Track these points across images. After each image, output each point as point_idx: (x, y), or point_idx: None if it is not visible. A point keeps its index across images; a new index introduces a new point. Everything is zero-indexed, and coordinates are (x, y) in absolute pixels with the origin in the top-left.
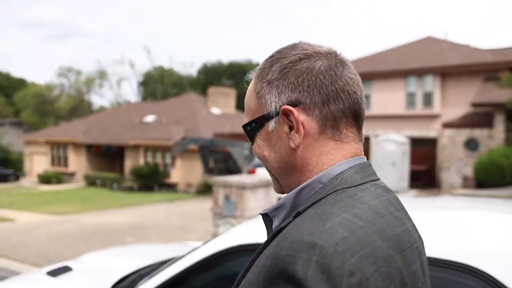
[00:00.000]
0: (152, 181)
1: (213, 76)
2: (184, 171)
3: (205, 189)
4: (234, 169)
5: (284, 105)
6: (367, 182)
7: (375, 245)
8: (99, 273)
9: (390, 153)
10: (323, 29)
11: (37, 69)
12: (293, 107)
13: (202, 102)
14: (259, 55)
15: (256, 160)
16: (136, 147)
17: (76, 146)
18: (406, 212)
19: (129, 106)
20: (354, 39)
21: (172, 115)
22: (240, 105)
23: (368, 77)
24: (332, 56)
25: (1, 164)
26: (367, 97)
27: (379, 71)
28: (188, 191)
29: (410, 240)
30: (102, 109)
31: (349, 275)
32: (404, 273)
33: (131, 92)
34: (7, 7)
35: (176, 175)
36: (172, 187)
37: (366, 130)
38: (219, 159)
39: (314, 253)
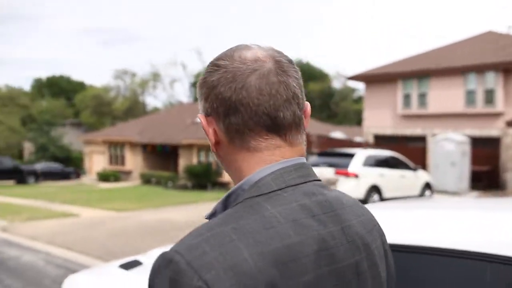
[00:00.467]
0: (205, 179)
1: None
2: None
3: None
4: None
5: (201, 113)
6: (283, 188)
7: (241, 259)
8: None
9: (449, 152)
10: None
11: (95, 72)
12: (207, 116)
13: None
14: (309, 54)
15: (310, 160)
16: (189, 147)
17: (132, 145)
18: (338, 215)
19: (182, 106)
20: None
21: None
22: None
23: (425, 74)
24: (250, 65)
25: (63, 162)
26: (424, 95)
27: (436, 68)
28: None
29: (319, 246)
30: (155, 110)
31: None
32: (282, 284)
33: (183, 93)
34: (68, 15)
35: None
36: (224, 186)
37: (422, 129)
38: None
39: (170, 268)
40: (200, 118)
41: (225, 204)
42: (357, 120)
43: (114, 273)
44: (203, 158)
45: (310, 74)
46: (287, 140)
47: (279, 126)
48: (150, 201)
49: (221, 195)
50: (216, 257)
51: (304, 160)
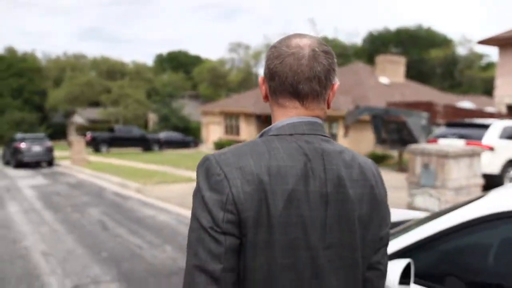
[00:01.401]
0: None
1: (379, 44)
2: (352, 142)
3: (374, 160)
4: (409, 140)
5: (260, 75)
6: (292, 134)
7: (247, 164)
8: None
9: None
10: None
11: (209, 46)
12: (264, 77)
13: (369, 71)
14: (431, 19)
15: (437, 131)
16: None
17: (247, 116)
18: (325, 159)
19: None
20: None
21: (340, 85)
22: (409, 74)
23: None
24: (291, 49)
25: (183, 132)
26: None
27: None
28: None
29: (301, 172)
30: None
31: (216, 174)
32: (269, 191)
33: None
34: None
35: (343, 145)
36: None
37: None
38: (392, 129)
39: (205, 163)
40: (259, 78)
41: (259, 137)
42: (484, 89)
43: None
44: None
45: (431, 40)
46: (304, 105)
47: (298, 94)
48: None
49: None
50: (233, 160)
51: (316, 120)
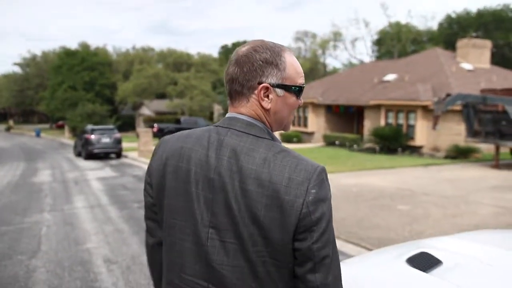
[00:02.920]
0: (394, 143)
1: (458, 28)
2: (430, 134)
3: (457, 154)
4: (508, 132)
5: None
6: (214, 126)
7: (169, 145)
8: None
9: None
10: None
11: (275, 36)
12: None
13: (449, 57)
14: None
15: None
16: (376, 107)
17: (315, 106)
18: (221, 149)
19: (366, 65)
20: None
21: (416, 73)
22: (493, 60)
23: None
24: (233, 56)
25: None
26: None
27: None
28: (435, 155)
29: (198, 155)
30: (335, 70)
31: (158, 146)
32: (168, 166)
33: (365, 52)
34: None
35: (421, 137)
36: (416, 150)
37: None
38: (487, 120)
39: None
40: None
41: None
42: None
43: (404, 272)
44: (391, 120)
45: None
46: (232, 103)
47: (228, 94)
48: (342, 164)
49: (414, 160)
50: (168, 142)
51: (235, 115)
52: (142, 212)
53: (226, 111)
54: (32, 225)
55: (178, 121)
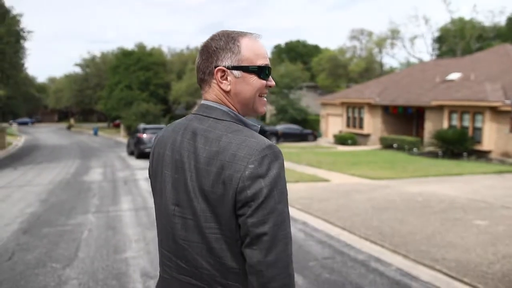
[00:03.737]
0: (459, 146)
1: None
2: (500, 137)
3: None
4: None
5: None
6: (190, 113)
7: (160, 135)
8: None
9: None
10: None
11: (329, 35)
12: None
13: None
14: None
15: None
16: (439, 108)
17: (371, 107)
18: (186, 133)
19: (426, 64)
20: None
21: (483, 71)
22: None
23: None
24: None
25: (301, 124)
26: None
27: None
28: (506, 161)
29: (172, 140)
30: (392, 70)
31: (156, 136)
32: (154, 154)
33: (425, 50)
34: None
35: (489, 141)
36: (483, 156)
37: None
38: None
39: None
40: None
41: None
42: None
43: None
44: (455, 122)
45: None
46: (202, 91)
47: (198, 83)
48: (403, 169)
49: (484, 166)
50: (161, 131)
51: (202, 101)
52: None
53: (280, 111)
54: (74, 227)
55: None
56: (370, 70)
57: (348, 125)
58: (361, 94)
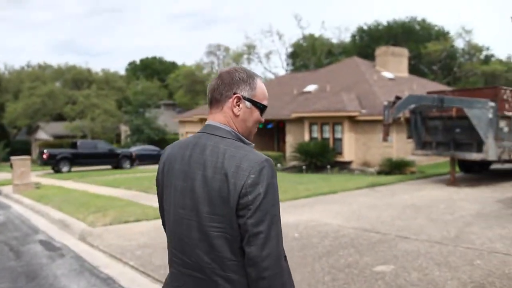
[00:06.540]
0: (321, 159)
1: (369, 40)
2: (359, 147)
3: (391, 169)
4: (467, 141)
5: None
6: (198, 132)
7: (169, 151)
8: None
9: None
10: None
11: (186, 55)
12: None
13: (369, 66)
14: (426, 12)
15: None
16: (298, 121)
17: None
18: (195, 149)
19: (283, 77)
20: None
21: (337, 82)
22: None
23: None
24: (218, 72)
25: (159, 144)
26: None
27: None
28: (366, 171)
29: (181, 155)
30: None
31: (162, 155)
32: (165, 166)
33: (280, 65)
34: (155, 2)
35: (349, 152)
36: (345, 167)
37: None
38: (436, 128)
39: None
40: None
41: None
42: (485, 84)
43: None
44: (316, 134)
45: (427, 33)
46: (210, 110)
47: (209, 102)
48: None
49: (352, 179)
50: (169, 147)
51: (210, 122)
52: None
53: (135, 132)
54: None
55: (74, 145)
56: None
57: None
58: None
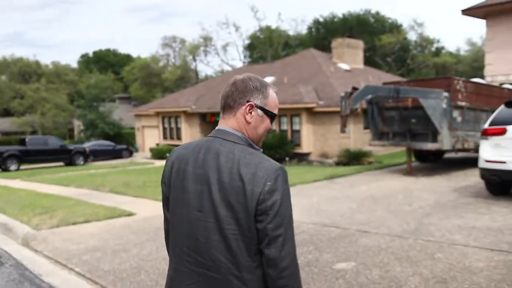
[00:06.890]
0: (280, 151)
1: (326, 32)
2: (317, 139)
3: (349, 160)
4: (420, 131)
5: None
6: (208, 136)
7: (176, 152)
8: None
9: None
10: None
11: (142, 48)
12: None
13: (326, 58)
14: (380, 4)
15: (497, 115)
16: None
17: (188, 116)
18: (207, 153)
19: (240, 70)
20: None
21: (294, 75)
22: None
23: None
24: (230, 81)
25: (114, 139)
26: None
27: None
28: (324, 162)
29: (193, 158)
30: (207, 78)
31: (169, 155)
32: (174, 168)
33: (238, 57)
34: None
35: (307, 143)
36: (304, 158)
37: None
38: (392, 118)
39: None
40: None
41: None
42: (436, 75)
43: None
44: (274, 126)
45: (381, 25)
46: (223, 116)
47: (222, 108)
48: None
49: (311, 170)
50: (176, 150)
51: (222, 127)
52: None
53: (88, 126)
54: None
55: (23, 142)
56: (186, 78)
57: (165, 137)
58: (177, 102)
